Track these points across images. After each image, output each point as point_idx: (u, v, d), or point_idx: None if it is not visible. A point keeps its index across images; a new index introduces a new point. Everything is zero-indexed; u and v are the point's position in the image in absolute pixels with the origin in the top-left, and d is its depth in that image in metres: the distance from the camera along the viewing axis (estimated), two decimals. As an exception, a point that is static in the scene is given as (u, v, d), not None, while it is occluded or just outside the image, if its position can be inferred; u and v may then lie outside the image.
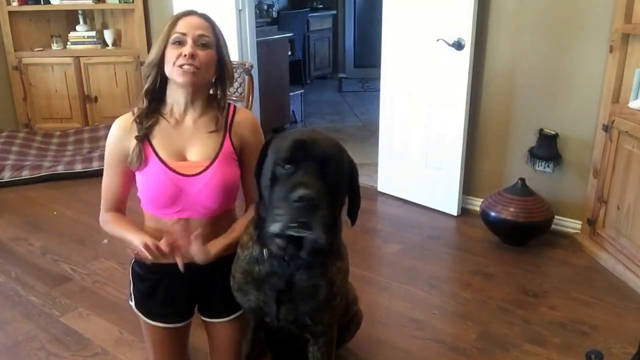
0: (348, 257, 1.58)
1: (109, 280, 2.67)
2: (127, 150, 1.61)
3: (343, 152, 1.38)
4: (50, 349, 2.20)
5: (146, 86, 1.61)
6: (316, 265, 1.45)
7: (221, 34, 1.64)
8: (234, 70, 4.24)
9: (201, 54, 1.55)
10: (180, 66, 1.53)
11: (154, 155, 1.59)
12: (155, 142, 1.60)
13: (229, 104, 1.71)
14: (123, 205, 1.71)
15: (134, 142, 1.59)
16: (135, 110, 1.63)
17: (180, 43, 1.55)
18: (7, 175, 3.93)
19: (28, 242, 3.09)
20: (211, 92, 1.69)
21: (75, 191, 3.78)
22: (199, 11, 1.64)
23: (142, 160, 1.58)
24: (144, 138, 1.60)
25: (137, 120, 1.60)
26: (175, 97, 1.62)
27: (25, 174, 3.96)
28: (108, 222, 1.67)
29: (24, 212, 3.49)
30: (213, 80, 1.66)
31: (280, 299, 1.49)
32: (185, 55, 1.52)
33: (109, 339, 2.25)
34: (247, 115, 1.71)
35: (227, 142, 1.64)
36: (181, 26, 1.56)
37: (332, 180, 1.30)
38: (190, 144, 1.62)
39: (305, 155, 1.30)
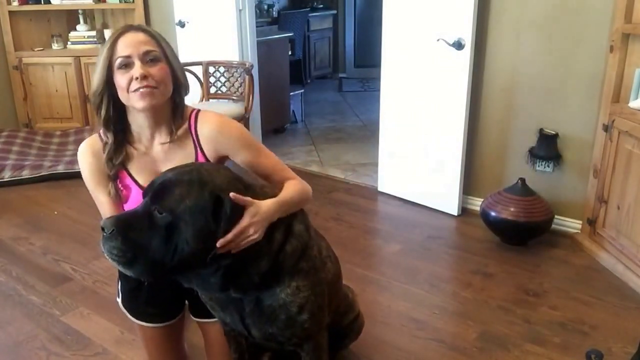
0: (320, 271, 1.51)
1: (110, 280, 2.67)
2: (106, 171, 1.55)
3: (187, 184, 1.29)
4: (51, 348, 2.20)
5: (102, 117, 1.50)
6: (264, 289, 1.40)
7: (166, 42, 1.52)
8: (235, 70, 4.27)
9: (153, 70, 1.44)
10: (136, 91, 1.43)
11: (134, 184, 1.55)
12: (132, 170, 1.55)
13: (192, 112, 1.59)
14: None
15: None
16: (101, 133, 1.54)
17: (127, 66, 1.43)
18: (7, 175, 3.93)
19: (29, 242, 3.10)
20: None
21: (76, 191, 3.77)
22: (135, 24, 1.52)
23: (120, 197, 1.55)
24: (116, 176, 1.54)
25: (107, 158, 1.52)
26: (139, 123, 1.52)
27: (26, 174, 3.97)
28: None
29: (25, 212, 3.50)
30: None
31: (245, 321, 1.48)
32: (137, 78, 1.41)
33: (109, 339, 2.25)
34: (210, 124, 1.55)
35: (200, 156, 1.56)
36: (122, 48, 1.43)
37: (164, 212, 1.26)
38: (166, 166, 1.53)
39: (149, 189, 1.33)
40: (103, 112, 1.50)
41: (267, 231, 1.35)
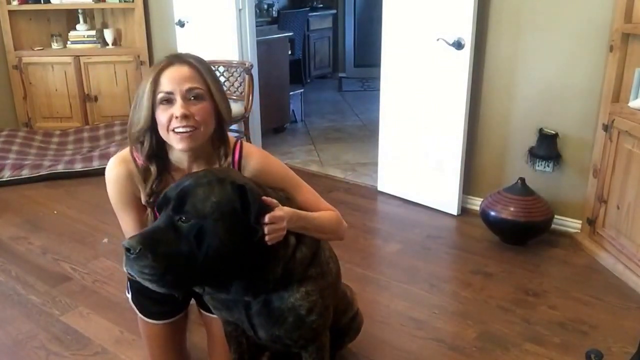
0: (327, 274, 1.52)
1: (109, 280, 2.67)
2: (139, 197, 1.51)
3: (207, 184, 1.27)
4: (50, 348, 2.20)
5: (146, 151, 1.47)
6: (272, 292, 1.40)
7: (211, 75, 1.47)
8: (235, 70, 4.27)
9: (195, 109, 1.40)
10: (175, 130, 1.40)
11: None
12: None
13: (236, 141, 1.56)
14: None
15: (143, 195, 1.50)
16: (136, 156, 1.50)
17: (169, 102, 1.40)
18: (7, 175, 3.93)
19: (28, 242, 3.09)
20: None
21: (75, 190, 3.78)
22: (182, 54, 1.47)
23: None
24: (154, 203, 1.46)
25: (145, 183, 1.48)
26: (177, 157, 1.50)
27: (25, 173, 3.96)
28: None
29: (24, 212, 3.49)
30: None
31: (251, 320, 1.48)
32: (177, 118, 1.38)
33: (109, 338, 2.25)
34: (254, 161, 1.54)
35: None
36: (165, 83, 1.40)
37: (191, 218, 1.23)
38: None
39: (164, 202, 1.28)
40: (147, 146, 1.46)
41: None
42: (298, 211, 1.43)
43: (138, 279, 1.23)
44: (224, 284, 1.35)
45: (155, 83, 1.41)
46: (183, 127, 1.39)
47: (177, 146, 1.42)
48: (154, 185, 1.48)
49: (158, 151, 1.48)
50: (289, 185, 1.56)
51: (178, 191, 1.27)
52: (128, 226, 1.55)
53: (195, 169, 1.50)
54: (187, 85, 1.40)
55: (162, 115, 1.40)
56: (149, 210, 1.50)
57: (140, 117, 1.43)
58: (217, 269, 1.28)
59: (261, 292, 1.39)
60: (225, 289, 1.37)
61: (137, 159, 1.50)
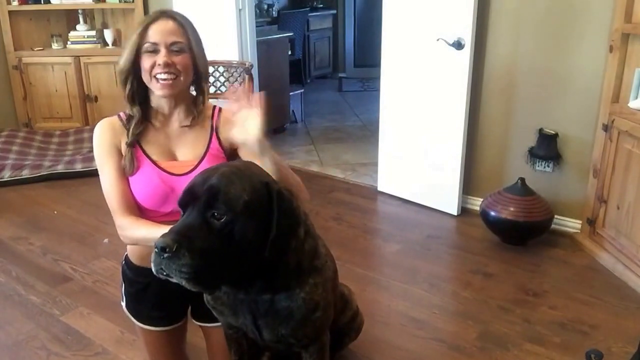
0: (328, 268, 1.52)
1: (110, 280, 2.68)
2: (120, 148, 1.59)
3: (238, 183, 1.26)
4: (50, 348, 2.20)
5: (126, 92, 1.59)
6: (281, 289, 1.40)
7: (193, 31, 1.60)
8: (235, 70, 4.26)
9: (176, 60, 1.54)
10: (157, 77, 1.53)
11: (145, 157, 1.59)
12: (145, 143, 1.60)
13: (215, 106, 1.70)
14: (136, 208, 1.59)
15: (124, 144, 1.59)
16: (122, 114, 1.63)
17: (153, 51, 1.53)
18: (7, 175, 3.93)
19: (28, 242, 3.10)
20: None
21: (76, 190, 3.78)
22: (170, 10, 1.60)
23: (134, 166, 1.57)
24: (134, 144, 1.59)
25: (127, 127, 1.59)
26: (158, 103, 1.61)
27: (26, 173, 3.97)
28: (127, 227, 1.55)
29: (25, 212, 3.50)
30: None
31: (257, 323, 1.47)
32: (160, 65, 1.52)
33: (109, 339, 2.25)
34: (230, 114, 1.68)
35: (215, 141, 1.64)
36: (152, 34, 1.53)
37: (224, 215, 1.22)
38: (179, 144, 1.63)
39: (190, 198, 1.26)
40: (128, 87, 1.59)
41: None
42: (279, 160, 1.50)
43: (174, 278, 1.21)
44: (246, 282, 1.35)
45: (143, 34, 1.53)
46: (165, 73, 1.52)
47: (158, 92, 1.56)
48: (133, 127, 1.59)
49: (140, 96, 1.60)
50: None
51: (207, 187, 1.25)
52: (105, 178, 1.60)
53: (176, 115, 1.63)
54: (171, 39, 1.54)
55: (146, 62, 1.53)
56: (124, 153, 1.59)
57: (122, 59, 1.57)
58: (245, 265, 1.28)
59: (278, 288, 1.39)
60: (245, 288, 1.37)
61: (119, 114, 1.64)
